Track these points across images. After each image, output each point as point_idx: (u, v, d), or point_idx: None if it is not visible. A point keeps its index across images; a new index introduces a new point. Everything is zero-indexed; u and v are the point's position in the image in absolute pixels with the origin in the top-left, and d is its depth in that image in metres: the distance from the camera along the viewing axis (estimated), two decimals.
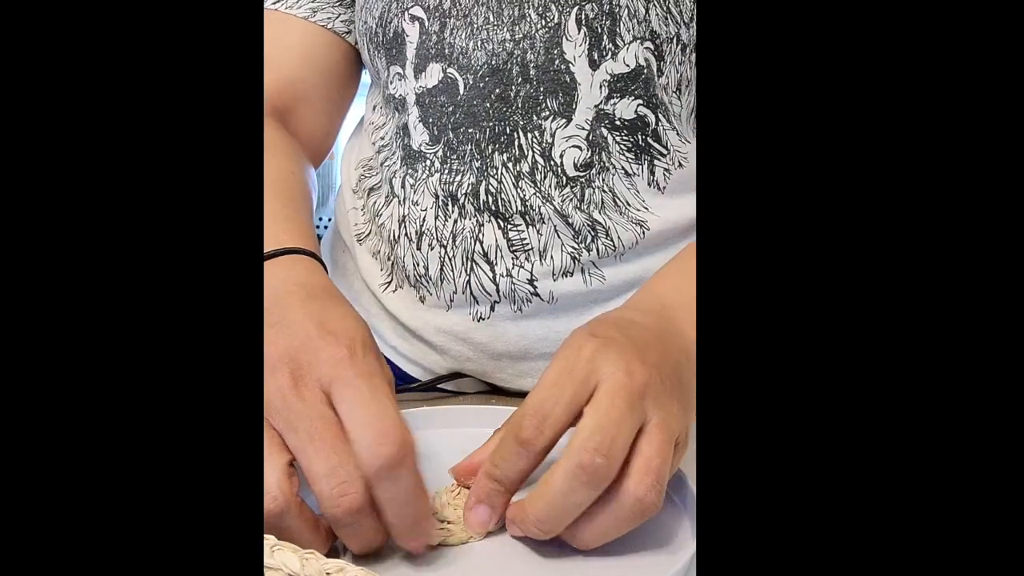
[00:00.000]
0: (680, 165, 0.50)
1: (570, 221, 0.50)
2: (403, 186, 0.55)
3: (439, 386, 0.58)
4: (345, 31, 0.59)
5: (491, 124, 0.50)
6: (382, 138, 0.58)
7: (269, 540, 0.30)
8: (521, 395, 0.55)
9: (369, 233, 0.59)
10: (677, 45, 0.48)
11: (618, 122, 0.49)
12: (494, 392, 0.57)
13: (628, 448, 0.31)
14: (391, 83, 0.55)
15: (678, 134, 0.50)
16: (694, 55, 0.49)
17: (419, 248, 0.54)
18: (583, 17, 0.48)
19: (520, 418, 0.33)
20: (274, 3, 0.59)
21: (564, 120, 0.49)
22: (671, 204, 0.50)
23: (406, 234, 0.55)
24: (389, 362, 0.60)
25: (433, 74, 0.52)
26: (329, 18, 0.58)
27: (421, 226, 0.54)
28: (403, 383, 0.59)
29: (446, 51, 0.51)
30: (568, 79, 0.48)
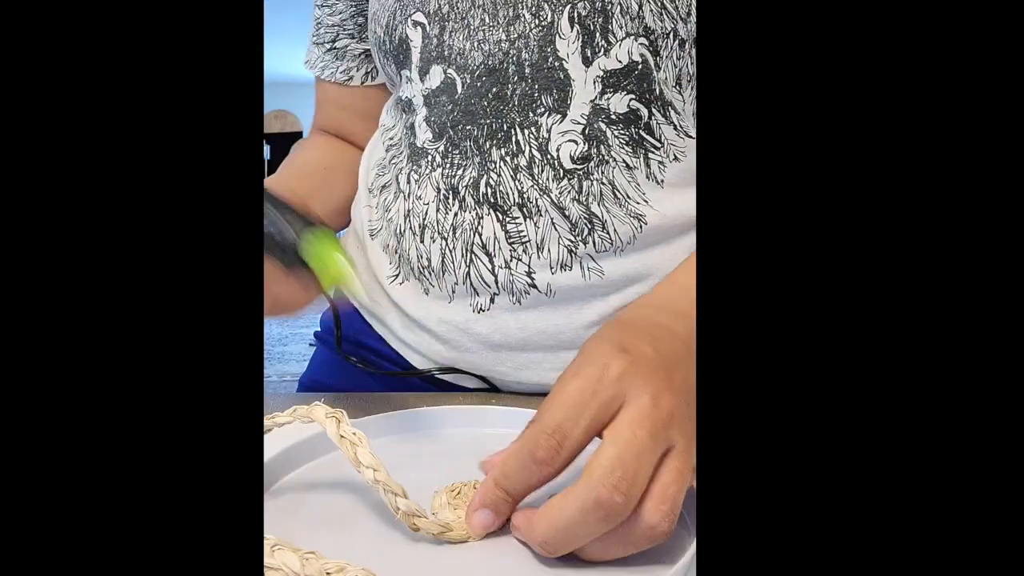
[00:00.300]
0: (676, 159, 0.50)
1: (567, 213, 0.51)
2: (408, 181, 0.57)
3: (439, 376, 0.58)
4: (347, 79, 0.69)
5: (488, 121, 0.51)
6: (391, 138, 0.60)
7: (269, 540, 0.30)
8: (521, 393, 0.56)
9: (380, 228, 0.61)
10: (674, 40, 0.48)
11: (614, 116, 0.50)
12: (493, 391, 0.58)
13: (648, 481, 0.30)
14: (402, 87, 0.57)
15: (675, 128, 0.50)
16: (695, 50, 0.49)
17: (422, 240, 0.55)
18: (575, 15, 0.48)
19: (538, 435, 0.32)
20: (305, 62, 0.71)
21: (559, 116, 0.50)
22: (670, 198, 0.51)
23: (411, 227, 0.56)
24: (394, 353, 0.61)
25: (436, 76, 0.53)
26: (332, 72, 0.69)
27: (424, 219, 0.55)
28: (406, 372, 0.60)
29: (446, 53, 0.52)
30: (562, 76, 0.49)
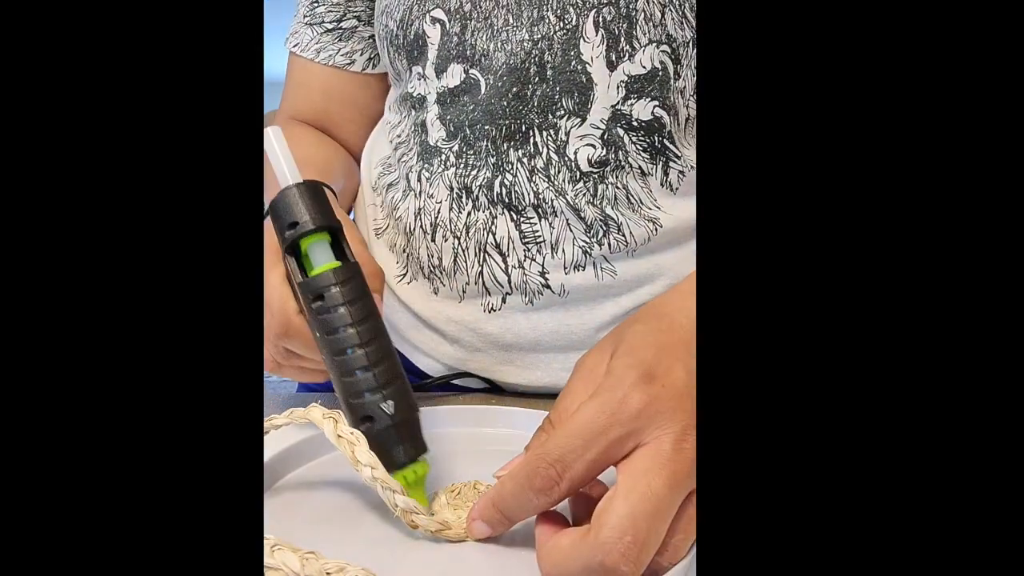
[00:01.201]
0: (693, 168, 0.51)
1: (582, 215, 0.51)
2: (419, 180, 0.56)
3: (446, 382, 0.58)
4: (348, 63, 0.65)
5: (507, 122, 0.51)
6: (399, 136, 0.59)
7: (269, 540, 0.30)
8: (524, 394, 0.56)
9: (387, 227, 0.60)
10: (693, 49, 0.49)
11: (635, 123, 0.50)
12: (495, 391, 0.57)
13: (660, 545, 0.28)
14: (411, 83, 0.56)
15: (694, 137, 0.51)
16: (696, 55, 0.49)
17: (433, 240, 0.55)
18: (600, 20, 0.48)
19: (538, 462, 0.30)
20: (293, 46, 0.67)
21: (579, 119, 0.50)
22: (683, 204, 0.51)
23: (421, 226, 0.56)
24: (401, 355, 0.60)
25: (455, 74, 0.53)
26: (330, 55, 0.65)
27: (436, 218, 0.55)
28: (413, 376, 0.60)
29: (467, 52, 0.52)
30: (584, 79, 0.49)
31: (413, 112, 0.57)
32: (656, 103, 0.49)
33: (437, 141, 0.54)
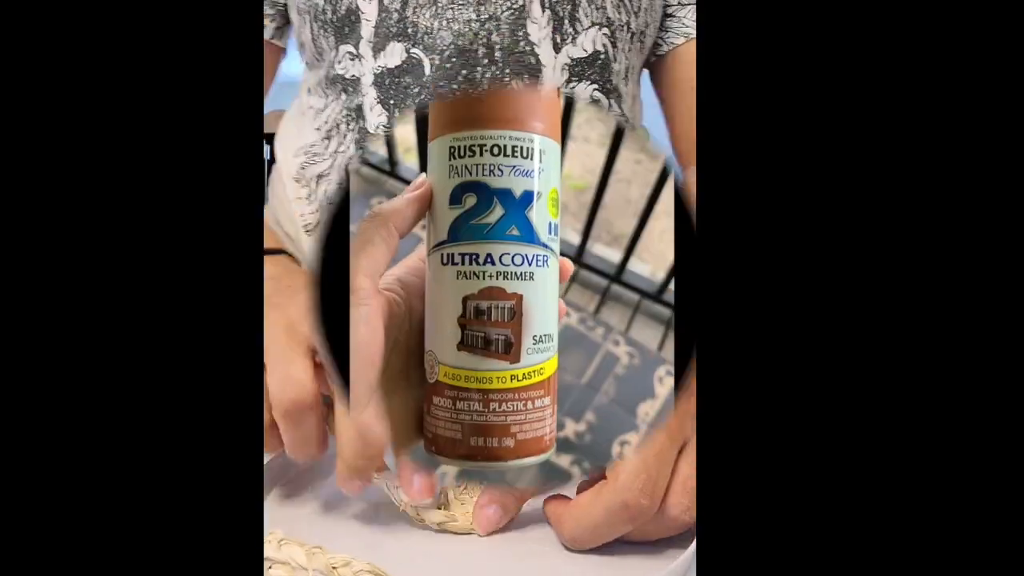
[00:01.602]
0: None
1: None
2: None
3: None
4: (271, 37, 0.58)
5: None
6: (326, 122, 0.56)
7: (276, 535, 0.30)
8: None
9: (319, 222, 0.56)
10: (627, 33, 0.49)
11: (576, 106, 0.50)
12: None
13: (669, 478, 0.31)
14: (339, 63, 0.53)
15: (627, 121, 0.52)
16: (639, 44, 0.51)
17: None
18: (546, 0, 0.48)
19: None
20: None
21: None
22: None
23: None
24: None
25: (395, 53, 0.50)
26: None
27: None
28: None
29: (409, 30, 0.49)
30: (533, 61, 0.49)
31: (344, 96, 0.53)
32: (596, 86, 0.50)
33: (378, 128, 0.52)
